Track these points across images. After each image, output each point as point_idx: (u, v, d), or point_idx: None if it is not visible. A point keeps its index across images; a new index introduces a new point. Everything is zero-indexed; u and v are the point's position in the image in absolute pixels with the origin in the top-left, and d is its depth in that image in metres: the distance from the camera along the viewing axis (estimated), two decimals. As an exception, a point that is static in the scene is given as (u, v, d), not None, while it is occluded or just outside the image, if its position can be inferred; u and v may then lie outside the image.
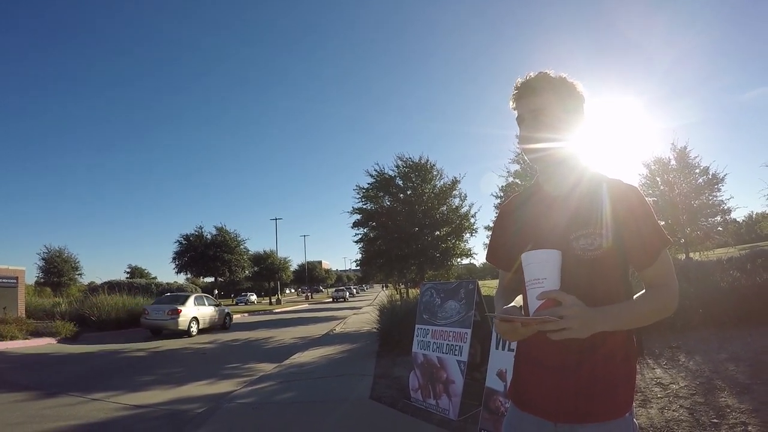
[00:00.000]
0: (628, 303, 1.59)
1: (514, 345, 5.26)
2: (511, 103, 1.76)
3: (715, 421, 4.76)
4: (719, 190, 25.56)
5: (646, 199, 1.65)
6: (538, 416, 1.68)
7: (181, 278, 51.44)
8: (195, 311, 21.25)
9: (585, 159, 1.74)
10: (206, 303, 22.82)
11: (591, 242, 1.61)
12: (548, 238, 1.67)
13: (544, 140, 1.67)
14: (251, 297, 65.10)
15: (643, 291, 1.62)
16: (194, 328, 20.76)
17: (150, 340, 18.42)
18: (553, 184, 1.76)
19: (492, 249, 2.01)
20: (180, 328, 19.87)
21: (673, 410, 5.19)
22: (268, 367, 10.76)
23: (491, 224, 22.62)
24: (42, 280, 45.31)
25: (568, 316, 1.42)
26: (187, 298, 21.70)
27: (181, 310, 20.19)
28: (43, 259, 45.56)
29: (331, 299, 68.58)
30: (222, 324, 23.59)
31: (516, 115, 1.76)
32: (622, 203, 1.61)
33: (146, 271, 78.48)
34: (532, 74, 1.72)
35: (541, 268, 1.52)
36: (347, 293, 69.39)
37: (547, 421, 1.65)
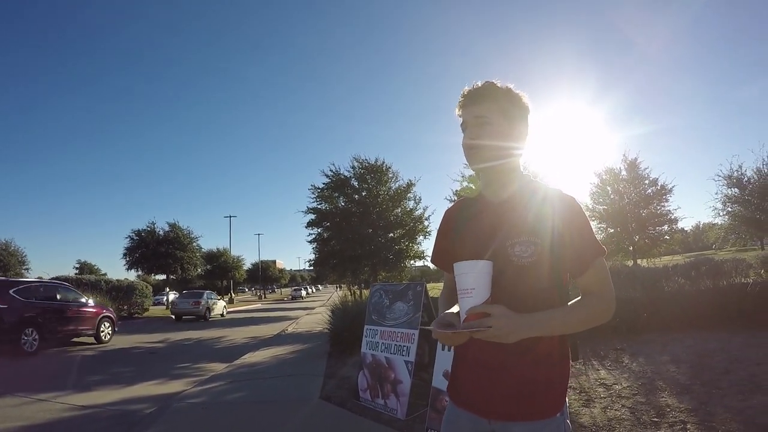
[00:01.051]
0: (559, 310, 1.64)
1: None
2: (457, 110, 1.83)
3: (656, 419, 4.93)
4: (667, 200, 26.39)
5: (584, 209, 1.73)
6: (473, 413, 1.76)
7: (132, 275, 50.43)
8: (208, 303, 30.78)
9: (525, 168, 1.83)
10: (213, 298, 32.85)
11: (526, 249, 1.67)
12: (486, 243, 1.73)
13: (485, 147, 1.73)
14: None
15: (578, 298, 1.69)
16: (208, 315, 30.03)
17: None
18: (492, 190, 1.82)
19: (436, 252, 2.05)
20: (200, 313, 29.58)
21: (616, 410, 5.35)
22: (218, 367, 10.68)
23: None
24: (-15, 273, 43.93)
25: (495, 326, 1.48)
26: (202, 294, 31.32)
27: (200, 302, 29.93)
28: (-13, 252, 44.16)
29: (284, 299, 77.20)
30: (221, 314, 33.32)
31: (461, 122, 1.82)
32: (560, 213, 1.67)
33: (96, 267, 76.43)
34: (479, 83, 1.79)
35: (470, 279, 1.58)
36: (303, 292, 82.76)
37: (481, 418, 1.73)
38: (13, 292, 13.13)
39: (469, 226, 1.84)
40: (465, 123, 1.79)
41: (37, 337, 13.05)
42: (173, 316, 30.46)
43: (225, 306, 35.06)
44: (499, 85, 1.77)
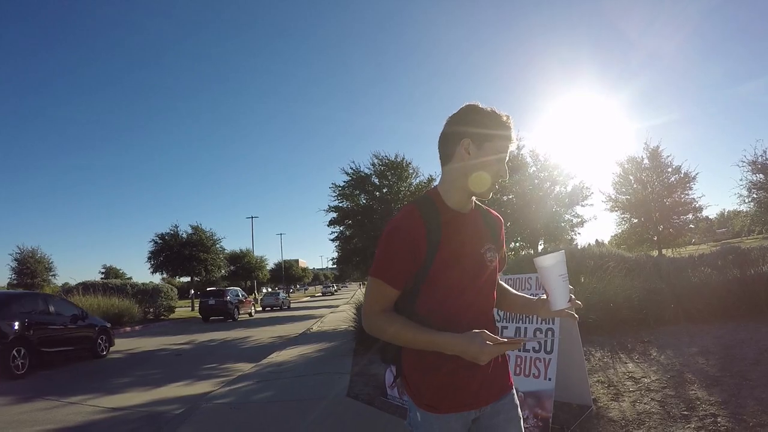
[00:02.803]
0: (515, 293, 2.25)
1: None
2: (510, 137, 1.91)
3: (686, 413, 4.88)
4: (691, 188, 26.00)
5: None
6: (461, 411, 1.88)
7: (156, 278, 50.85)
8: (286, 298, 43.18)
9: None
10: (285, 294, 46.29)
11: (493, 254, 1.98)
12: (470, 250, 1.92)
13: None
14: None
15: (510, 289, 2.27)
16: (287, 307, 38.85)
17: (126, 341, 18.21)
18: (462, 205, 1.95)
19: (401, 270, 1.82)
20: (284, 305, 42.14)
21: (645, 403, 5.30)
22: (245, 367, 10.75)
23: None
24: (15, 282, 44.47)
25: None
26: (279, 293, 44.86)
27: (279, 297, 43.88)
28: (15, 260, 44.70)
29: (314, 295, 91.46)
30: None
31: (501, 147, 1.88)
32: (500, 226, 2.10)
33: (121, 271, 77.30)
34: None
35: (564, 265, 1.88)
36: (333, 288, 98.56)
37: (469, 412, 1.89)
38: None
39: (448, 233, 1.87)
40: (504, 154, 1.90)
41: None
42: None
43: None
44: None
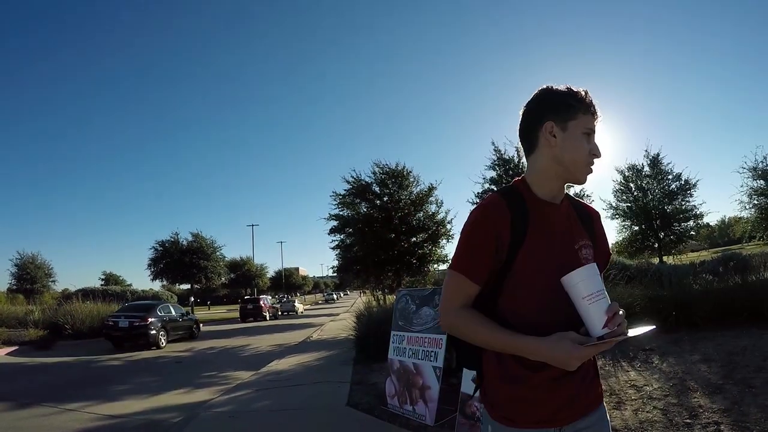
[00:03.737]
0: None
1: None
2: (574, 107, 1.73)
3: (688, 421, 4.84)
4: (691, 195, 25.95)
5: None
6: (546, 427, 1.68)
7: (156, 285, 50.87)
8: (270, 302, 42.54)
9: None
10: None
11: (589, 252, 1.74)
12: (562, 248, 1.73)
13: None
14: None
15: None
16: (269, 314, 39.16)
17: (121, 350, 18.13)
18: (553, 194, 1.77)
19: (480, 263, 1.72)
20: (295, 311, 48.15)
21: (647, 411, 5.26)
22: (245, 375, 10.70)
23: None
24: (14, 287, 44.36)
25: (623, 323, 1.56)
26: (294, 300, 52.17)
27: (295, 303, 50.73)
28: (15, 265, 44.59)
29: (317, 302, 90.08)
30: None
31: (584, 127, 1.73)
32: (597, 219, 1.86)
33: (121, 278, 77.05)
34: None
35: (598, 281, 1.59)
36: (335, 296, 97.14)
37: (551, 428, 1.68)
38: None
39: (536, 227, 1.71)
40: (591, 130, 1.74)
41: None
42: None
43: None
44: None
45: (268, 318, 38.15)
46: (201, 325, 25.34)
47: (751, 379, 5.92)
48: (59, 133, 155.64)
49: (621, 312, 1.55)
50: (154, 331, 18.56)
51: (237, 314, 39.49)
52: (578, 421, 1.69)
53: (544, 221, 1.72)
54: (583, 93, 1.73)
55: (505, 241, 1.67)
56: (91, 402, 8.37)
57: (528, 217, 1.70)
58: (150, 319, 18.76)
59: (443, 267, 26.83)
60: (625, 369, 7.18)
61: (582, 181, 1.76)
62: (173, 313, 21.40)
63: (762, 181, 22.95)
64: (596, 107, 1.74)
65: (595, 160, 1.72)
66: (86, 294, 26.68)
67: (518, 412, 1.69)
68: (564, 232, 1.74)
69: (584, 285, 1.56)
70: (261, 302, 38.85)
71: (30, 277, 44.23)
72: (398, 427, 5.80)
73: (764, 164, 22.80)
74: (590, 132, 1.72)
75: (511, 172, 21.97)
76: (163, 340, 19.12)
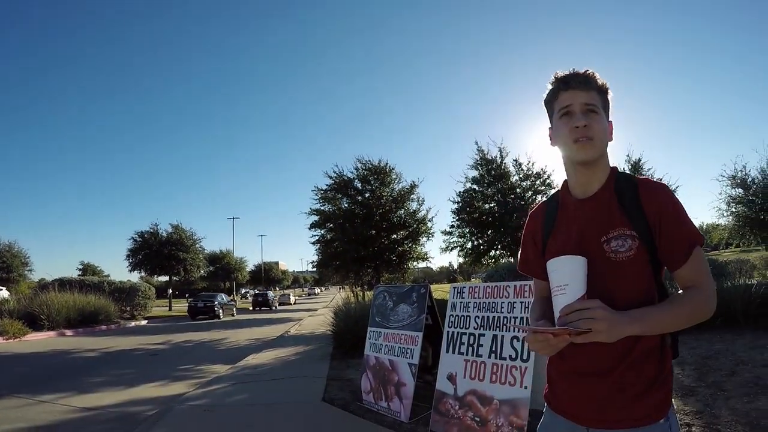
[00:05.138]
0: (659, 306, 1.56)
1: (464, 348, 5.35)
2: (551, 93, 1.74)
3: (659, 423, 4.89)
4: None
5: (676, 196, 1.66)
6: (571, 421, 1.69)
7: (134, 276, 50.39)
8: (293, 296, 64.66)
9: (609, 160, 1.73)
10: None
11: (622, 243, 1.60)
12: (579, 242, 1.68)
13: (597, 138, 1.65)
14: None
15: (677, 293, 1.61)
16: (276, 305, 51.02)
17: (102, 340, 17.99)
18: (581, 187, 1.74)
19: (524, 259, 1.95)
20: (289, 302, 59.75)
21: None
22: (221, 369, 10.66)
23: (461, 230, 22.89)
24: (-10, 275, 43.87)
25: (596, 319, 1.42)
26: (290, 294, 64.24)
27: (290, 295, 63.69)
28: (-9, 253, 44.10)
29: (300, 296, 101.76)
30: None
31: (558, 108, 1.71)
32: (652, 201, 1.61)
33: (99, 269, 76.38)
34: (578, 69, 1.70)
35: (564, 275, 1.55)
36: (317, 290, 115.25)
37: (579, 426, 1.67)
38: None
39: (559, 225, 1.78)
40: (569, 108, 1.67)
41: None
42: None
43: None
44: (598, 75, 1.70)
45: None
46: (235, 309, 39.11)
47: (723, 383, 6.01)
48: (37, 122, 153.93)
49: (578, 309, 1.46)
50: (218, 309, 32.81)
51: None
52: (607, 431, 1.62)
53: (566, 217, 1.77)
54: (555, 75, 1.73)
55: (539, 240, 1.85)
56: (65, 393, 8.29)
57: (556, 214, 1.81)
58: (215, 302, 33.18)
59: (423, 265, 26.92)
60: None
61: (582, 158, 1.66)
62: (224, 300, 36.19)
63: (741, 190, 23.23)
64: (571, 77, 1.68)
65: (580, 127, 1.63)
66: (63, 284, 26.25)
67: (549, 394, 1.81)
68: (588, 225, 1.68)
69: (554, 276, 1.58)
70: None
71: (6, 265, 43.54)
72: (373, 423, 5.79)
73: (743, 173, 23.09)
74: (567, 107, 1.67)
75: (493, 172, 22.04)
76: (221, 314, 33.06)
